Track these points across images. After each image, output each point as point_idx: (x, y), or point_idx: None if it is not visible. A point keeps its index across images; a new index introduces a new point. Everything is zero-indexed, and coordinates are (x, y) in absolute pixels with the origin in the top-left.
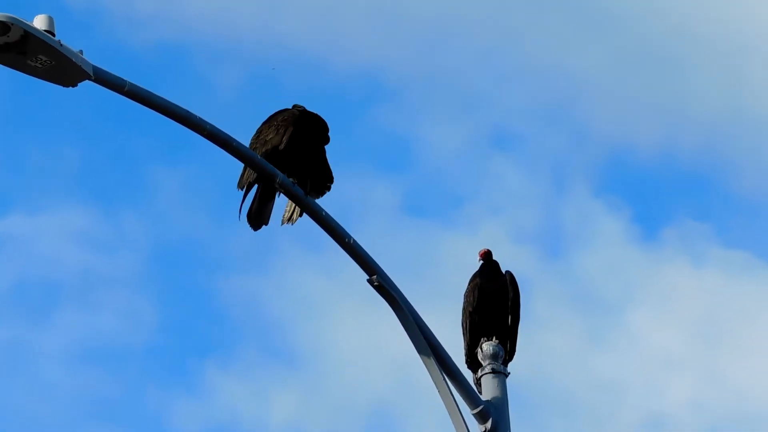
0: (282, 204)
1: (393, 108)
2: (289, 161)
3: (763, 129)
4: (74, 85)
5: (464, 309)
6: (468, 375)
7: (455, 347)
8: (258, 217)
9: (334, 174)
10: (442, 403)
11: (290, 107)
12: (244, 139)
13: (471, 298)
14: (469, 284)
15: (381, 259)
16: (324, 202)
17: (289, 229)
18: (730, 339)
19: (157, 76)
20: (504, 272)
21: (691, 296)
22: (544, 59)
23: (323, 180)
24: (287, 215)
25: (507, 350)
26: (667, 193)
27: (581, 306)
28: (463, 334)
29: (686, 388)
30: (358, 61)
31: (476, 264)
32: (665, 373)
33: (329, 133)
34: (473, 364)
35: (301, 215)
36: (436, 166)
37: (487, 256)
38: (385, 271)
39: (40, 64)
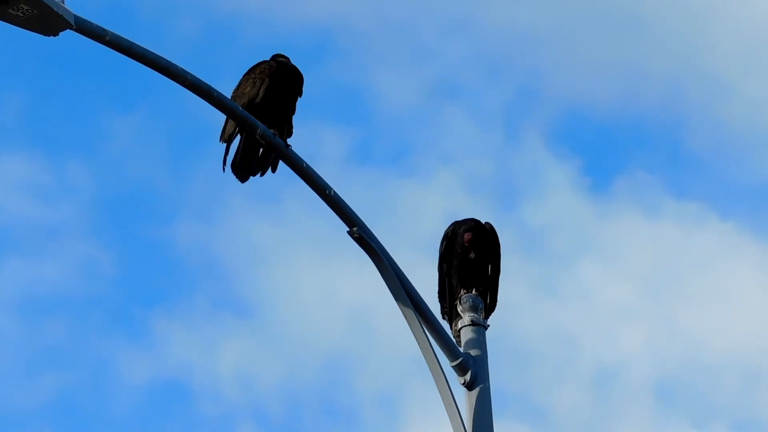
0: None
1: (345, 61)
2: (266, 113)
3: (719, 86)
4: (55, 34)
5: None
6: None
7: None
8: (244, 168)
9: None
10: (421, 354)
11: (269, 59)
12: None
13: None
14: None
15: None
16: None
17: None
18: (683, 290)
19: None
20: (484, 223)
21: (643, 248)
22: (498, 12)
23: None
24: None
25: (487, 302)
26: (619, 146)
27: (533, 257)
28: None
29: (639, 340)
30: (311, 15)
31: (431, 217)
32: (618, 325)
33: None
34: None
35: None
36: (389, 117)
37: (472, 241)
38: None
39: (21, 12)
